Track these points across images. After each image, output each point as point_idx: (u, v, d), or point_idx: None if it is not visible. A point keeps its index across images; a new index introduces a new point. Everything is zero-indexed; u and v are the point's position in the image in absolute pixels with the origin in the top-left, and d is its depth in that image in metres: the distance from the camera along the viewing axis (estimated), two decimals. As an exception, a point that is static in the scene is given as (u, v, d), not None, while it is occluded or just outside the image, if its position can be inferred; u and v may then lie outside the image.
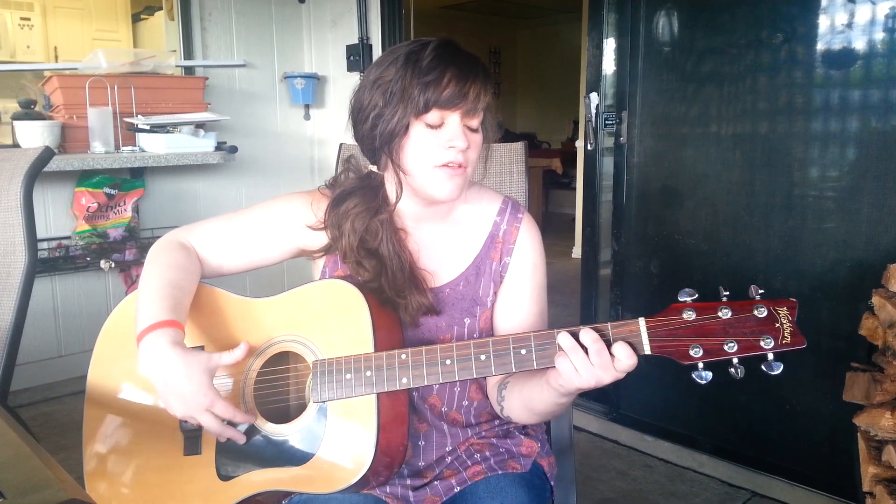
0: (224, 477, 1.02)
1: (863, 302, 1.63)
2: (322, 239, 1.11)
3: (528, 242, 1.14)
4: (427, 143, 1.00)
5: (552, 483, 1.19)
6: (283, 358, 1.08)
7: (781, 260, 2.11)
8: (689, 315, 0.87)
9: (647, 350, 0.89)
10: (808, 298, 2.03)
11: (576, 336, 0.90)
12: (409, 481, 1.09)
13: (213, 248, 1.13)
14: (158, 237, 1.14)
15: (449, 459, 1.12)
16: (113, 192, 3.00)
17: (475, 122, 1.02)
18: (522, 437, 1.17)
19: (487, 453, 1.12)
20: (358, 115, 1.05)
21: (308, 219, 1.11)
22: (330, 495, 1.02)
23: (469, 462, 1.11)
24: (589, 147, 2.58)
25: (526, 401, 1.03)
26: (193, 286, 1.07)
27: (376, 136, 1.01)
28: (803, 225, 2.06)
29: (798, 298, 0.87)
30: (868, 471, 1.53)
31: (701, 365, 0.87)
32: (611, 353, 0.88)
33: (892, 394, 1.50)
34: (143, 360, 0.96)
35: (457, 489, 1.08)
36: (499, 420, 1.18)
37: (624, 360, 0.87)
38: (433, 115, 0.98)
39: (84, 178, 2.95)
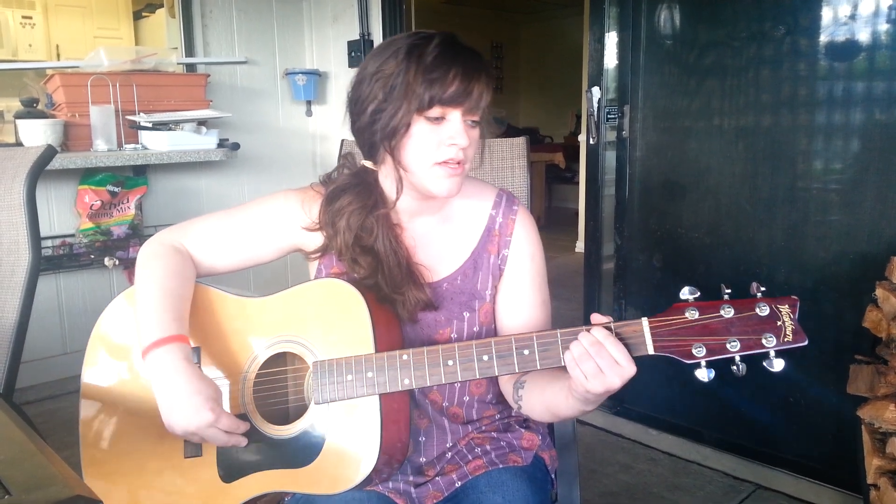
0: (226, 479, 1.01)
1: (866, 294, 1.63)
2: (317, 238, 1.10)
3: (524, 234, 1.14)
4: (428, 140, 0.98)
5: (553, 476, 1.19)
6: (282, 359, 1.07)
7: (785, 253, 2.11)
8: (691, 314, 0.88)
9: (651, 350, 0.89)
10: (812, 291, 2.03)
11: (578, 340, 0.90)
12: (411, 477, 1.09)
13: (206, 250, 1.11)
14: (161, 234, 1.13)
15: (450, 455, 1.12)
16: (116, 189, 3.00)
17: (476, 119, 1.01)
18: (523, 430, 1.17)
19: (488, 447, 1.12)
20: (355, 107, 1.03)
21: (301, 220, 1.10)
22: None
23: (470, 456, 1.11)
24: (591, 141, 2.58)
25: (549, 405, 1.02)
26: (190, 292, 1.06)
27: (377, 130, 1.00)
28: (806, 218, 2.05)
29: (801, 291, 0.88)
30: (872, 463, 1.53)
31: (703, 363, 0.88)
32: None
33: (896, 386, 1.50)
34: (152, 376, 0.96)
35: (458, 484, 1.08)
36: (499, 414, 1.18)
37: (620, 358, 0.88)
38: (435, 111, 0.97)
39: (87, 176, 2.95)
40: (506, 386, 1.12)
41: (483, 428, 1.15)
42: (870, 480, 1.54)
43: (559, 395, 0.98)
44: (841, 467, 1.99)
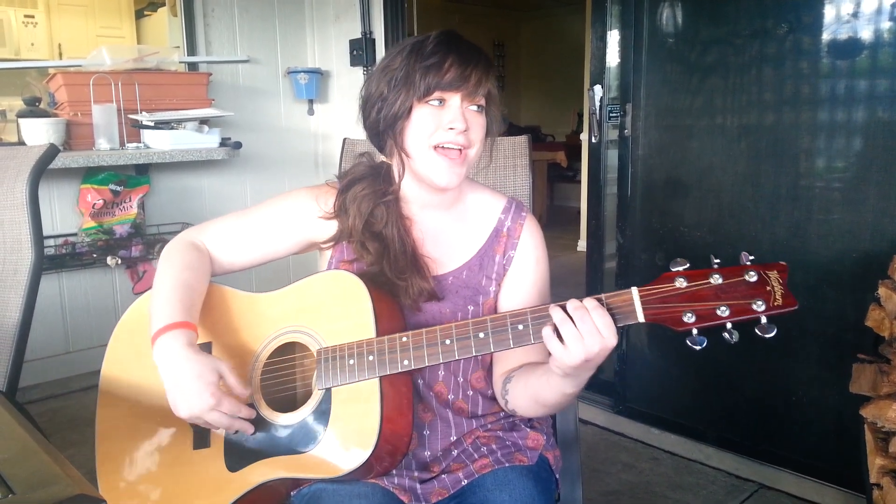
0: (233, 468, 1.03)
1: (869, 293, 1.62)
2: (331, 229, 1.14)
3: (531, 238, 1.18)
4: (428, 124, 1.04)
5: (557, 476, 1.19)
6: (289, 348, 1.10)
7: (787, 251, 2.10)
8: (680, 282, 0.90)
9: (641, 318, 0.90)
10: (814, 289, 2.02)
11: (563, 308, 0.92)
12: (416, 473, 1.09)
13: (225, 247, 1.16)
14: (164, 233, 1.16)
15: (455, 452, 1.13)
16: (118, 188, 3.00)
17: (477, 105, 1.06)
18: (528, 429, 1.18)
19: (494, 446, 1.13)
20: (366, 104, 1.10)
21: (316, 211, 1.14)
22: (338, 486, 1.03)
23: (476, 455, 1.12)
24: (593, 140, 2.57)
25: (533, 393, 1.05)
26: (205, 286, 1.10)
27: (380, 119, 1.06)
28: (809, 216, 2.05)
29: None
30: (875, 462, 1.53)
31: (695, 331, 0.89)
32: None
33: (899, 385, 1.50)
34: (157, 359, 0.99)
35: (464, 482, 1.09)
36: (504, 412, 1.18)
37: (603, 326, 0.89)
38: (435, 97, 1.03)
39: (89, 175, 2.96)
40: (497, 384, 1.15)
41: (489, 426, 1.17)
42: (872, 480, 1.54)
43: (541, 379, 1.01)
44: (843, 466, 1.99)
